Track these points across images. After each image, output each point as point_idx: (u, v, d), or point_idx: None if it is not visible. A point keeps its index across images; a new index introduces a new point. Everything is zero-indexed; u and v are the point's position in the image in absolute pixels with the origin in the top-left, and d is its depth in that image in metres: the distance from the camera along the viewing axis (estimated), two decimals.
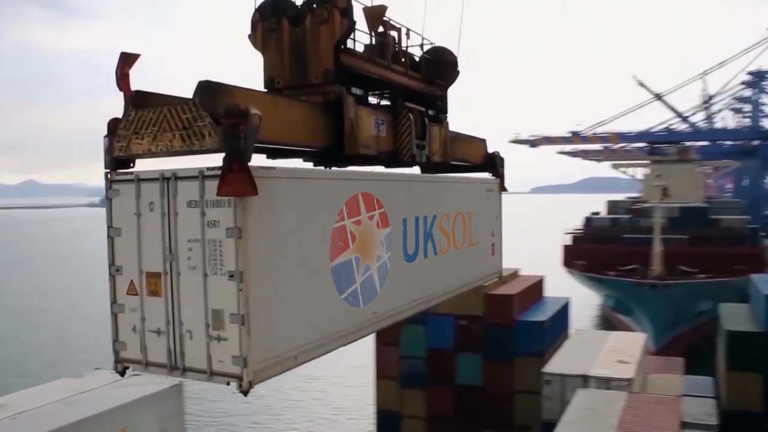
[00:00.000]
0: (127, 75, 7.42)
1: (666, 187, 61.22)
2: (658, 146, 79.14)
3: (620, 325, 57.39)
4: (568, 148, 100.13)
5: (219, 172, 6.85)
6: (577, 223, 72.98)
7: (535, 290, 26.29)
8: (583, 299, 62.96)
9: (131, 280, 7.68)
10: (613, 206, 77.99)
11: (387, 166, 11.26)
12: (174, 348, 7.48)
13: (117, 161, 7.71)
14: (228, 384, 7.20)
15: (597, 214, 76.24)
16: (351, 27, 9.08)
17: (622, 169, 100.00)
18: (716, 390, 22.61)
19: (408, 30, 11.22)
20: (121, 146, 7.54)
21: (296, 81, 9.26)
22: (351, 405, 39.45)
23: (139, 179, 7.62)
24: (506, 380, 22.49)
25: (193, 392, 19.79)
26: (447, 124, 12.57)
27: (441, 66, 12.31)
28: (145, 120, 7.34)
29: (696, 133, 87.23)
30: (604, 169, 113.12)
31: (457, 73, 12.50)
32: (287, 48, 9.10)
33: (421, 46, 11.97)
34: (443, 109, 12.48)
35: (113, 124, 7.63)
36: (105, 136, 7.71)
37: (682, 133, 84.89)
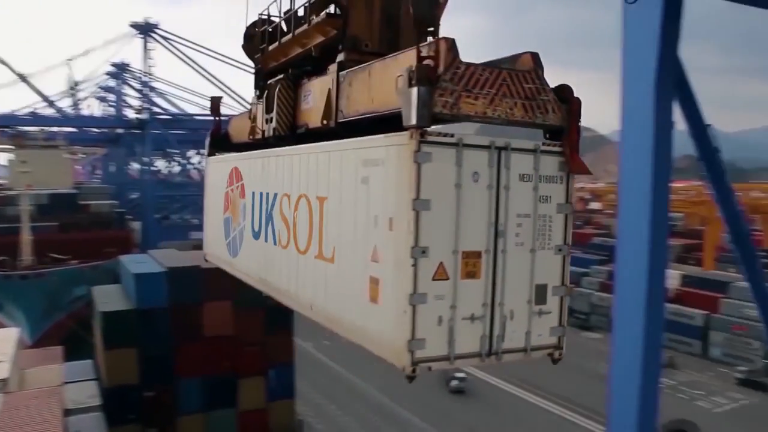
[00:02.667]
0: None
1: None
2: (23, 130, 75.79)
3: None
4: None
5: (556, 148, 6.91)
6: None
7: None
8: None
9: (440, 263, 6.39)
10: None
11: None
12: (490, 332, 6.80)
13: (433, 118, 6.27)
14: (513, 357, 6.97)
15: None
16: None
17: None
18: (97, 371, 23.15)
19: None
20: (445, 101, 6.24)
21: (386, 49, 8.11)
22: None
23: (464, 144, 6.50)
24: None
25: None
26: None
27: None
28: (479, 78, 6.42)
29: (64, 119, 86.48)
30: None
31: None
32: (378, 11, 8.27)
33: None
34: None
35: (430, 72, 6.18)
36: (416, 85, 6.12)
37: (49, 117, 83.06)
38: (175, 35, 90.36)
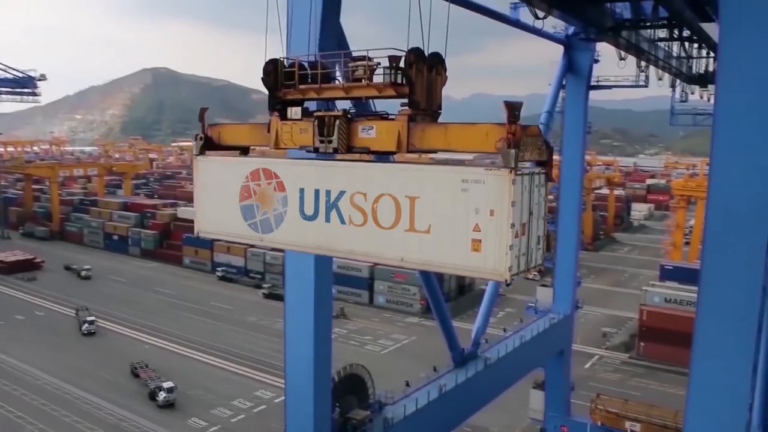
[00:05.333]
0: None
1: None
2: None
3: None
4: None
5: (543, 170, 12.38)
6: None
7: None
8: None
9: (517, 230, 11.81)
10: None
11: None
12: (527, 260, 12.34)
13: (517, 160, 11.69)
14: (533, 269, 12.56)
15: None
16: (444, 83, 13.67)
17: None
18: None
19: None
20: (522, 155, 11.75)
21: (428, 108, 13.38)
22: None
23: (523, 173, 11.85)
24: None
25: None
26: None
27: None
28: (528, 143, 11.91)
29: None
30: None
31: None
32: (425, 85, 13.21)
33: None
34: None
35: (516, 142, 11.58)
36: (513, 148, 11.60)
37: None
38: None
